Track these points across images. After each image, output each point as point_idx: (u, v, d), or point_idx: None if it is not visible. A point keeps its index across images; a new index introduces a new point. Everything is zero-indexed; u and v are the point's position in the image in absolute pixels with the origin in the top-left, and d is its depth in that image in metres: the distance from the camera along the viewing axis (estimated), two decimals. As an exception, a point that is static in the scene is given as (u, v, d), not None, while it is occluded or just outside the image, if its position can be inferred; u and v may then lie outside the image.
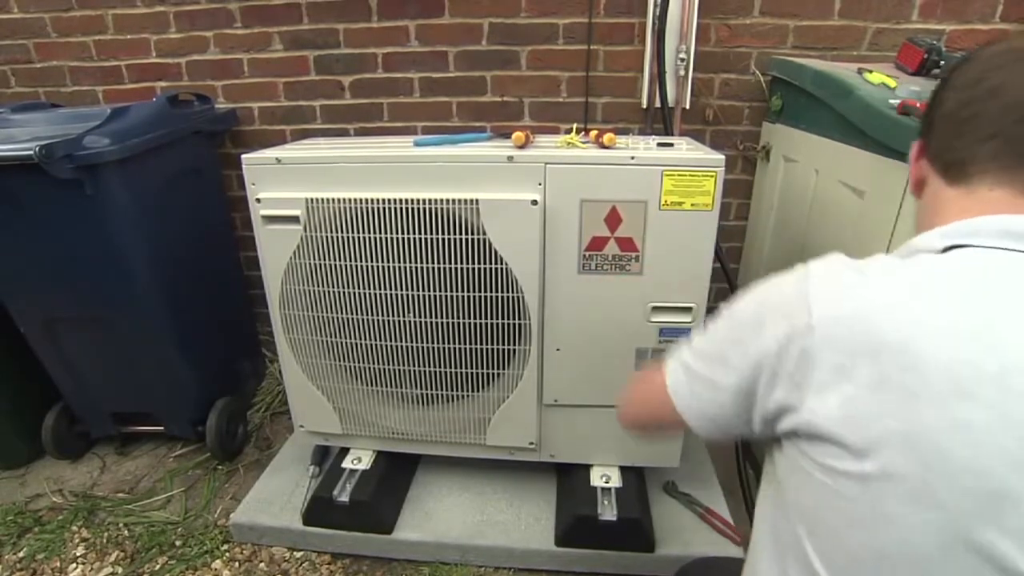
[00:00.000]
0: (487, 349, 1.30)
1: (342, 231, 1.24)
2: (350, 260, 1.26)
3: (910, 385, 0.43)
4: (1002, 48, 0.53)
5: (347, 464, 1.49)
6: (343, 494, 1.41)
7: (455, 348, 1.31)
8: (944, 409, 0.42)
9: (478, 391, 1.36)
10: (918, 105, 1.05)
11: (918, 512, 0.43)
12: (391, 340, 1.33)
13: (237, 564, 1.43)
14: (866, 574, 0.47)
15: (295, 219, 1.24)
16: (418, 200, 1.19)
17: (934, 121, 0.57)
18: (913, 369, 0.43)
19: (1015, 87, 0.50)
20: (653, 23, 1.61)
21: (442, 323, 1.29)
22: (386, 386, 1.39)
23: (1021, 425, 0.41)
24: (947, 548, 0.43)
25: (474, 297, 1.25)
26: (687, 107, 1.71)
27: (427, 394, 1.38)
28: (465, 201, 1.18)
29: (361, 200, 1.21)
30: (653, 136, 1.51)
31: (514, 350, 1.31)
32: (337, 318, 1.32)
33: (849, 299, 0.48)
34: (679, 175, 1.14)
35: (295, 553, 1.45)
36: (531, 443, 1.41)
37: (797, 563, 0.52)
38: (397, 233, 1.22)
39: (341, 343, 1.35)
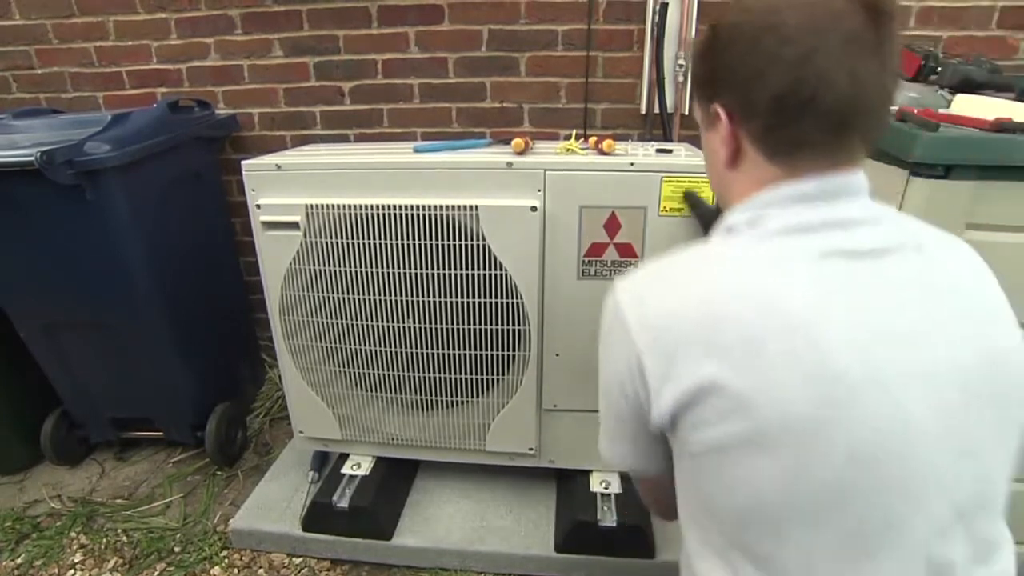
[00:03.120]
0: (487, 355, 1.30)
1: (342, 237, 1.24)
2: (350, 266, 1.26)
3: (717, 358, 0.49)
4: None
5: (347, 470, 1.49)
6: (343, 500, 1.41)
7: (455, 354, 1.31)
8: (750, 367, 0.48)
9: (478, 397, 1.36)
10: (916, 111, 1.05)
11: (759, 464, 0.48)
12: (391, 346, 1.33)
13: (236, 570, 1.42)
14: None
15: (295, 225, 1.25)
16: (418, 206, 1.20)
17: (756, 101, 0.53)
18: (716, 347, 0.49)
19: (836, 70, 0.49)
20: (652, 30, 1.62)
21: (442, 329, 1.29)
22: (386, 392, 1.39)
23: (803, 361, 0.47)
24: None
25: (474, 303, 1.25)
26: (686, 113, 1.71)
27: (427, 400, 1.38)
28: (465, 207, 1.18)
29: (361, 206, 1.21)
30: (652, 142, 1.52)
31: (513, 356, 1.31)
32: (337, 324, 1.32)
33: (653, 308, 0.54)
34: (678, 181, 1.15)
35: (294, 559, 1.45)
36: (531, 449, 1.41)
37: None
38: (397, 239, 1.22)
39: (341, 349, 1.35)
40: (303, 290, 1.31)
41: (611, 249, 1.22)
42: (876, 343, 0.47)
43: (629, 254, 1.21)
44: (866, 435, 0.46)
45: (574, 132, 1.54)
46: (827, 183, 0.52)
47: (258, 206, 1.26)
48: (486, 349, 1.30)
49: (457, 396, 1.36)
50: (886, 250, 0.51)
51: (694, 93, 0.65)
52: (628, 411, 0.57)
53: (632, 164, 1.16)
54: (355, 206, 1.21)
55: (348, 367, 1.37)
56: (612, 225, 1.19)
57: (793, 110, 0.51)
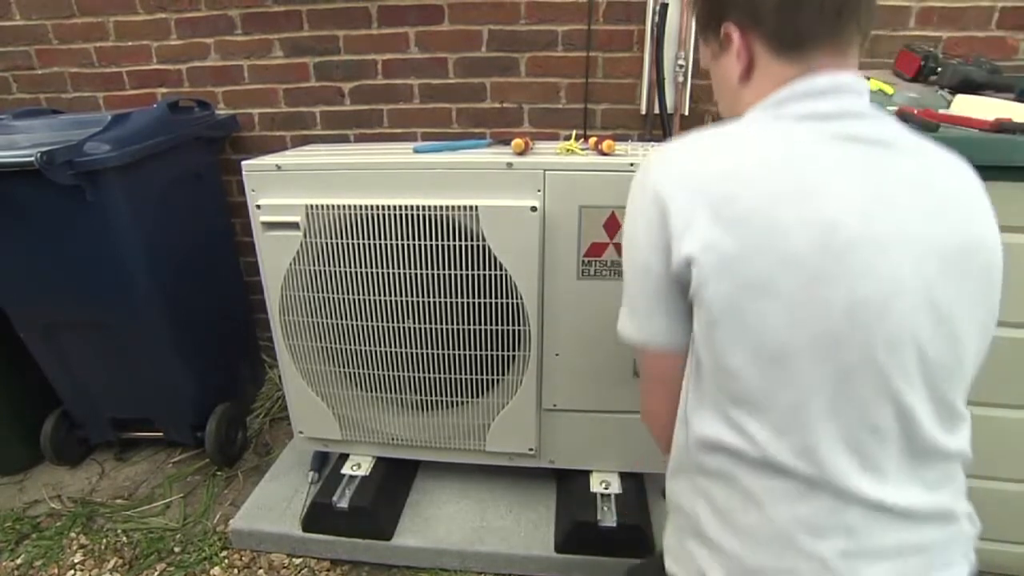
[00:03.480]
0: (486, 355, 1.30)
1: (342, 237, 1.24)
2: (350, 266, 1.26)
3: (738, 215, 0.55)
4: None
5: (346, 470, 1.49)
6: (342, 500, 1.41)
7: (454, 354, 1.31)
8: (761, 228, 0.54)
9: (478, 397, 1.36)
10: (916, 112, 1.05)
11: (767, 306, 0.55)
12: (391, 346, 1.33)
13: (236, 571, 1.42)
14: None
15: (295, 225, 1.25)
16: (418, 206, 1.20)
17: (761, 5, 0.61)
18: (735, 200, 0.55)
19: None
20: (652, 30, 1.62)
21: (442, 329, 1.29)
22: (386, 392, 1.39)
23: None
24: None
25: (473, 303, 1.25)
26: (686, 113, 1.71)
27: (427, 400, 1.38)
28: (464, 207, 1.18)
29: (361, 206, 1.21)
30: (652, 142, 1.52)
31: (513, 356, 1.31)
32: (337, 324, 1.32)
33: (680, 164, 0.60)
34: (678, 181, 1.15)
35: (294, 559, 1.45)
36: (531, 449, 1.41)
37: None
38: (397, 239, 1.23)
39: (341, 349, 1.35)
40: (303, 290, 1.31)
41: (611, 249, 1.21)
42: (873, 210, 0.54)
43: (629, 254, 1.21)
44: (863, 288, 0.53)
45: (574, 132, 1.54)
46: (837, 79, 0.59)
47: (258, 206, 1.26)
48: (486, 349, 1.30)
49: (457, 396, 1.36)
50: (888, 142, 0.58)
51: (700, 33, 0.71)
52: (654, 272, 0.60)
53: (632, 164, 1.16)
54: (355, 206, 1.21)
55: (348, 367, 1.37)
56: (612, 225, 1.19)
57: (793, 4, 0.59)
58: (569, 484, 1.47)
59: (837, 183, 0.55)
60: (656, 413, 0.71)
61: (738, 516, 0.59)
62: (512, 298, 1.24)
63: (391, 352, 1.33)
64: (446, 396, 1.37)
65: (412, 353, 1.33)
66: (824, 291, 0.53)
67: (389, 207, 1.20)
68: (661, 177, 0.60)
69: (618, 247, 1.21)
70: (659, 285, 0.61)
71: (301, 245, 1.26)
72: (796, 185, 0.55)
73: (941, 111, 1.13)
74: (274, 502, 1.53)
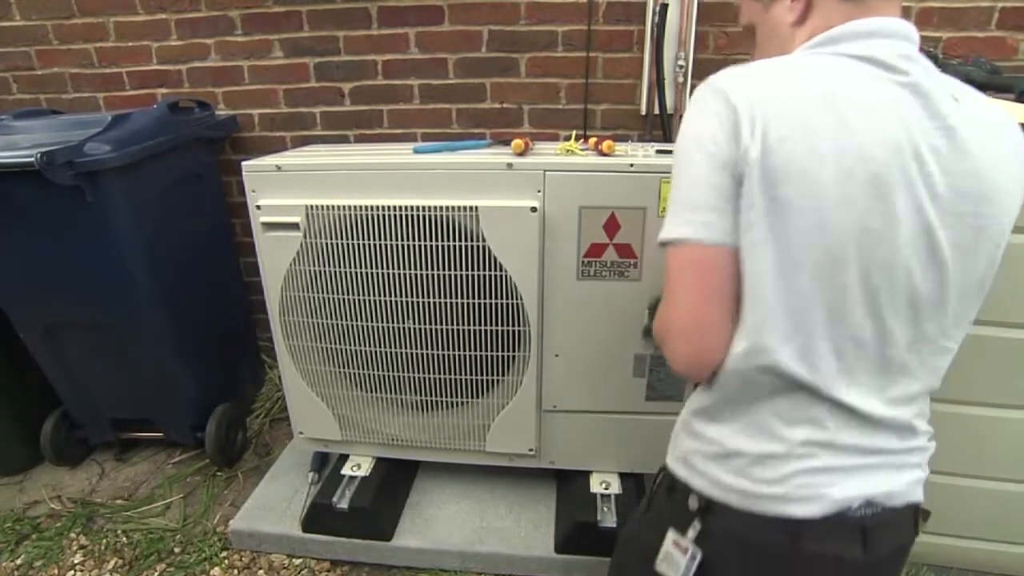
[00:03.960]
0: (486, 356, 1.30)
1: (342, 238, 1.24)
2: (350, 267, 1.26)
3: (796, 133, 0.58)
4: None
5: (346, 471, 1.49)
6: (342, 501, 1.41)
7: (455, 355, 1.31)
8: (808, 153, 0.57)
9: (478, 397, 1.36)
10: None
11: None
12: (391, 347, 1.33)
13: (236, 571, 1.42)
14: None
15: (295, 226, 1.25)
16: (418, 207, 1.20)
17: None
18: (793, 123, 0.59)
19: None
20: (652, 30, 1.62)
21: (442, 330, 1.29)
22: (386, 393, 1.39)
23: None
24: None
25: (473, 304, 1.25)
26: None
27: (427, 400, 1.38)
28: (464, 208, 1.18)
29: (361, 207, 1.21)
30: (652, 143, 1.52)
31: (513, 356, 1.31)
32: (337, 325, 1.32)
33: (748, 77, 0.62)
34: (678, 182, 1.15)
35: (294, 560, 1.45)
36: (531, 449, 1.41)
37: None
38: (397, 240, 1.23)
39: (341, 350, 1.35)
40: (303, 291, 1.31)
41: (611, 249, 1.22)
42: (902, 150, 0.58)
43: (629, 255, 1.21)
44: (872, 220, 0.57)
45: (574, 133, 1.54)
46: (891, 23, 0.62)
47: (258, 207, 1.26)
48: (486, 350, 1.30)
49: (457, 397, 1.37)
50: (929, 89, 0.61)
51: None
52: (718, 162, 0.62)
53: (632, 165, 1.16)
54: (355, 207, 1.21)
55: (348, 368, 1.37)
56: (611, 226, 1.20)
57: None
58: (569, 485, 1.47)
59: (876, 120, 0.58)
60: (697, 323, 0.68)
61: (723, 414, 0.68)
62: (512, 299, 1.24)
63: (391, 352, 1.33)
64: (446, 396, 1.37)
65: (412, 353, 1.33)
66: (840, 216, 0.57)
67: (389, 207, 1.20)
68: (730, 85, 0.62)
69: (617, 247, 1.21)
70: (719, 179, 0.62)
71: (301, 245, 1.26)
72: (840, 118, 0.58)
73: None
74: (274, 503, 1.53)
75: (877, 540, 0.66)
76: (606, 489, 1.41)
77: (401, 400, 1.40)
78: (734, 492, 0.67)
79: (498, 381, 1.34)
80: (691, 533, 0.70)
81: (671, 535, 0.73)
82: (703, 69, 1.68)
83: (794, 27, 0.68)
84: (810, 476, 0.64)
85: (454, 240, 1.21)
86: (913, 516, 0.69)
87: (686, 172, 0.65)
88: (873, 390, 0.64)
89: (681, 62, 1.65)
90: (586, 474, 1.46)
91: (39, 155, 1.22)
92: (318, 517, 1.43)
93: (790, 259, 0.59)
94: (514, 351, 1.30)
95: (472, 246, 1.21)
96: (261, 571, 1.42)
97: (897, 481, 0.66)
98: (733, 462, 0.67)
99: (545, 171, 1.18)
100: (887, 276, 0.60)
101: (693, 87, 1.68)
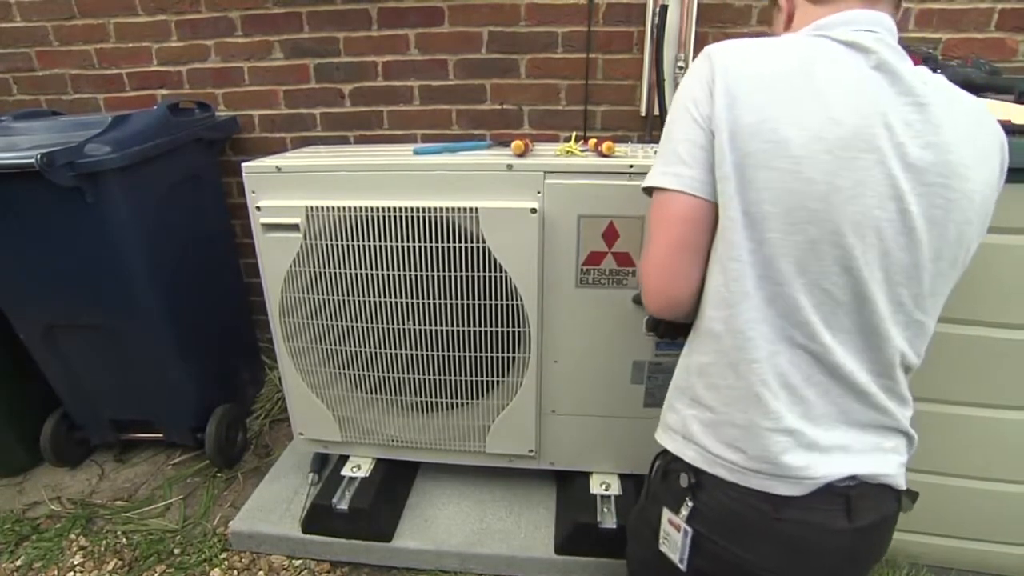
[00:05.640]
0: (487, 357, 1.30)
1: (342, 239, 1.24)
2: (350, 268, 1.26)
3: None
4: None
5: (346, 472, 1.49)
6: (342, 502, 1.41)
7: (455, 356, 1.31)
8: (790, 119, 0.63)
9: (478, 399, 1.36)
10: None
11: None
12: (391, 348, 1.33)
13: (236, 572, 1.42)
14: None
15: (295, 227, 1.25)
16: (418, 208, 1.20)
17: None
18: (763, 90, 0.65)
19: None
20: (652, 32, 1.62)
21: (442, 331, 1.29)
22: (386, 394, 1.39)
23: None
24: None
25: (474, 305, 1.25)
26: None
27: (427, 402, 1.38)
28: (464, 209, 1.18)
29: (361, 208, 1.21)
30: (652, 144, 1.52)
31: (513, 358, 1.31)
32: (337, 326, 1.32)
33: (736, 48, 0.68)
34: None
35: (294, 561, 1.45)
36: (530, 451, 1.41)
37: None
38: (397, 241, 1.23)
39: (341, 351, 1.35)
40: (303, 292, 1.31)
41: (609, 258, 1.22)
42: (872, 120, 0.62)
43: (627, 263, 1.21)
44: (841, 179, 0.61)
45: (574, 134, 1.54)
46: (866, 14, 0.67)
47: (258, 208, 1.26)
48: (486, 351, 1.30)
49: (457, 398, 1.36)
50: (902, 72, 0.64)
51: (770, 8, 0.82)
52: (691, 124, 0.68)
53: (632, 166, 1.16)
54: (355, 208, 1.21)
55: (348, 369, 1.37)
56: (610, 235, 1.20)
57: None
58: (569, 486, 1.47)
59: (847, 89, 0.63)
60: (667, 268, 0.74)
61: (718, 380, 0.71)
62: (512, 300, 1.24)
63: (391, 354, 1.33)
64: (446, 398, 1.37)
65: (412, 355, 1.33)
66: (809, 172, 0.62)
67: (389, 209, 1.20)
68: (716, 49, 0.69)
69: (616, 256, 1.21)
70: (696, 135, 0.68)
71: (301, 247, 1.26)
72: (813, 86, 0.63)
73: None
74: (274, 504, 1.53)
75: (861, 510, 0.69)
76: (606, 490, 1.41)
77: (401, 401, 1.40)
78: (722, 465, 0.71)
79: (498, 382, 1.34)
80: (684, 512, 0.75)
81: (666, 514, 0.78)
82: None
83: (784, 31, 0.77)
84: (795, 455, 0.67)
85: (454, 241, 1.21)
86: (895, 493, 0.73)
87: (672, 126, 0.72)
88: (853, 352, 0.67)
89: (681, 63, 1.65)
90: (586, 475, 1.46)
91: (39, 156, 1.22)
92: (318, 518, 1.43)
93: (760, 211, 0.64)
94: (514, 352, 1.30)
95: (472, 247, 1.21)
96: (261, 572, 1.42)
97: (882, 462, 0.70)
98: (726, 431, 0.71)
99: (545, 172, 1.18)
100: (859, 236, 0.63)
101: (693, 88, 1.68)
